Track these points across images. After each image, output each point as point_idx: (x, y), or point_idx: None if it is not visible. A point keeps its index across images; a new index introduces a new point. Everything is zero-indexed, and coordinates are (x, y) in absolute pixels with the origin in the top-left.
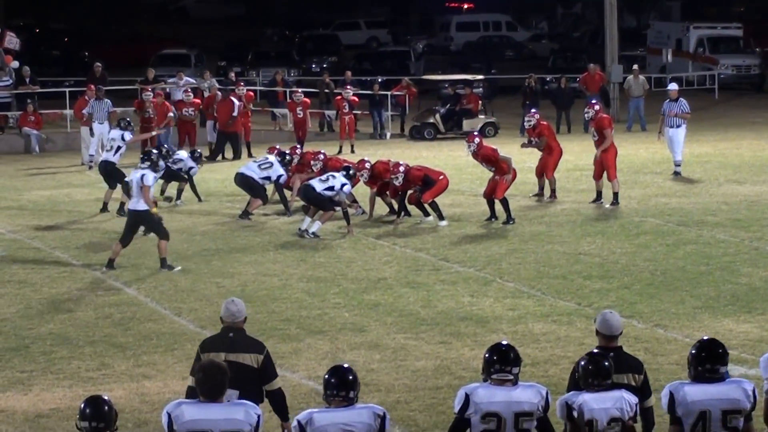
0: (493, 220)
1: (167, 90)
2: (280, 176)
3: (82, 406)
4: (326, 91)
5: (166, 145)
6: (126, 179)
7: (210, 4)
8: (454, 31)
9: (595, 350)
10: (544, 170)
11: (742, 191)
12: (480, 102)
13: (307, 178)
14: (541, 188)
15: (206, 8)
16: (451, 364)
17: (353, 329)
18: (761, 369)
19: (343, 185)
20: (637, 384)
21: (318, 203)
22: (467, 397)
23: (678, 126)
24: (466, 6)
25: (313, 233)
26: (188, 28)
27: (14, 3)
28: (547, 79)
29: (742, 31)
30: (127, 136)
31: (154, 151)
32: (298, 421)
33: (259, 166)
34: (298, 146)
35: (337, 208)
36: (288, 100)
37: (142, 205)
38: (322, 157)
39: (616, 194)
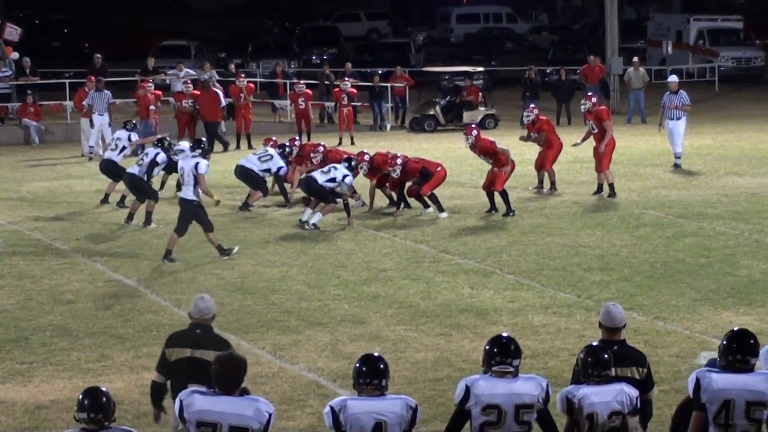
0: (493, 212)
1: (167, 81)
2: (280, 168)
3: (81, 397)
4: (326, 82)
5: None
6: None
7: None
8: (454, 23)
9: (595, 343)
10: (543, 163)
11: (742, 183)
12: (480, 94)
13: (306, 170)
14: (541, 181)
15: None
16: (451, 356)
17: (353, 321)
18: (761, 361)
19: (344, 176)
20: (641, 377)
21: (320, 195)
22: (468, 389)
23: (678, 118)
24: None
25: (313, 225)
26: (188, 19)
27: None
28: (548, 71)
29: (742, 24)
30: (134, 137)
31: (203, 139)
32: (332, 407)
33: (259, 158)
34: (297, 138)
35: (339, 200)
36: (290, 91)
37: (187, 194)
38: (321, 149)
39: (611, 185)
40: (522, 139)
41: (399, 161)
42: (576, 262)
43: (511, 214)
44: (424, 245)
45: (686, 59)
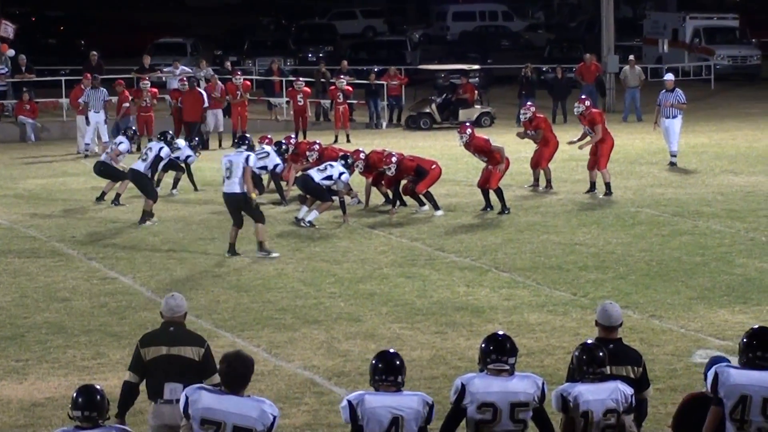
0: (488, 210)
1: (163, 78)
2: (276, 165)
3: (75, 395)
4: (322, 80)
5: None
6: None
7: None
8: (450, 21)
9: (590, 341)
10: (538, 161)
11: (738, 182)
12: (476, 92)
13: (302, 167)
14: (536, 179)
15: None
16: (446, 354)
17: (349, 319)
18: None
19: (341, 174)
20: (635, 376)
21: (316, 193)
22: (463, 387)
23: (674, 117)
24: None
25: (309, 222)
26: (185, 16)
27: None
28: (544, 69)
29: (738, 22)
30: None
31: (247, 135)
32: (349, 401)
33: (256, 155)
34: (293, 136)
35: (335, 198)
36: (288, 88)
37: (236, 187)
38: (317, 147)
39: (608, 184)
40: (519, 135)
41: (394, 159)
42: (571, 260)
43: (506, 212)
44: (419, 243)
45: (682, 57)
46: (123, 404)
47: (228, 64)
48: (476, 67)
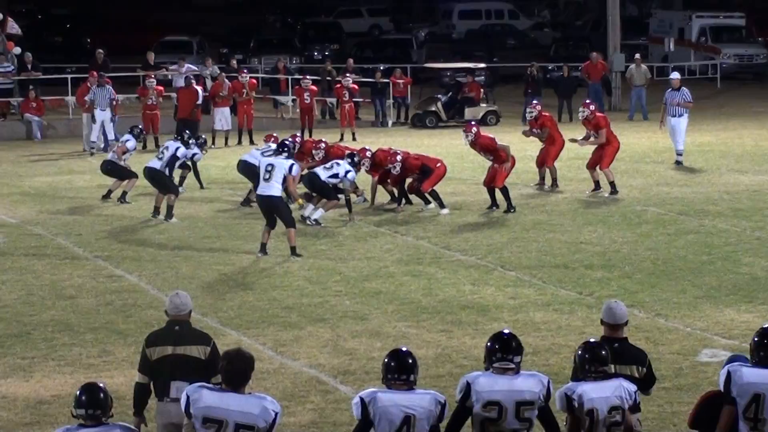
0: (494, 208)
1: (169, 76)
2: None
3: (78, 393)
4: (328, 78)
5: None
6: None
7: None
8: (456, 19)
9: (593, 339)
10: (544, 160)
11: (744, 181)
12: (482, 90)
13: (307, 166)
14: (542, 178)
15: None
16: (452, 353)
17: (354, 317)
18: None
19: (347, 172)
20: (640, 376)
21: (322, 191)
22: (468, 385)
23: (680, 115)
24: None
25: (315, 220)
26: (190, 14)
27: None
28: (549, 67)
29: (744, 21)
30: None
31: (288, 140)
32: (361, 398)
33: (262, 153)
34: (298, 134)
35: (341, 196)
36: (295, 86)
37: (274, 191)
38: (323, 145)
39: (612, 183)
40: (525, 133)
41: (399, 158)
42: (577, 259)
43: (512, 210)
44: (425, 241)
45: (688, 56)
46: (138, 404)
47: (234, 62)
48: (482, 65)
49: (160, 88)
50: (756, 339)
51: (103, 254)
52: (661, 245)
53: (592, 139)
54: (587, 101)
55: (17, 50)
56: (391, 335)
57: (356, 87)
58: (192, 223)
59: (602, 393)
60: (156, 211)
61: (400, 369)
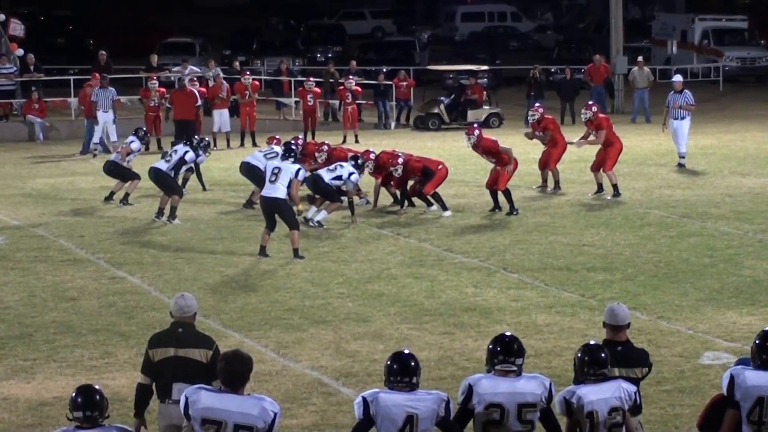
0: (496, 210)
1: (172, 78)
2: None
3: (74, 396)
4: (331, 80)
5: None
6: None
7: None
8: (459, 22)
9: (592, 341)
10: (547, 162)
11: (746, 183)
12: (485, 92)
13: (310, 168)
14: (545, 180)
15: None
16: (454, 355)
17: (357, 319)
18: None
19: (350, 174)
20: (642, 376)
21: (325, 193)
22: (470, 387)
23: (682, 118)
24: None
25: (317, 222)
26: (193, 16)
27: None
28: (552, 70)
29: (747, 24)
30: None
31: (291, 142)
32: (364, 398)
33: (265, 155)
34: (300, 136)
35: (344, 199)
36: (298, 88)
37: (279, 193)
38: (326, 148)
39: (615, 186)
40: (527, 135)
41: (400, 160)
42: (580, 261)
43: (514, 213)
44: (427, 244)
45: (691, 59)
46: (139, 405)
47: (236, 64)
48: (485, 67)
49: (163, 89)
50: (758, 342)
51: (105, 256)
52: (663, 248)
53: (590, 138)
54: (590, 103)
55: (20, 52)
56: (394, 337)
57: (359, 89)
58: (194, 224)
59: (601, 394)
60: (160, 212)
61: (402, 371)
